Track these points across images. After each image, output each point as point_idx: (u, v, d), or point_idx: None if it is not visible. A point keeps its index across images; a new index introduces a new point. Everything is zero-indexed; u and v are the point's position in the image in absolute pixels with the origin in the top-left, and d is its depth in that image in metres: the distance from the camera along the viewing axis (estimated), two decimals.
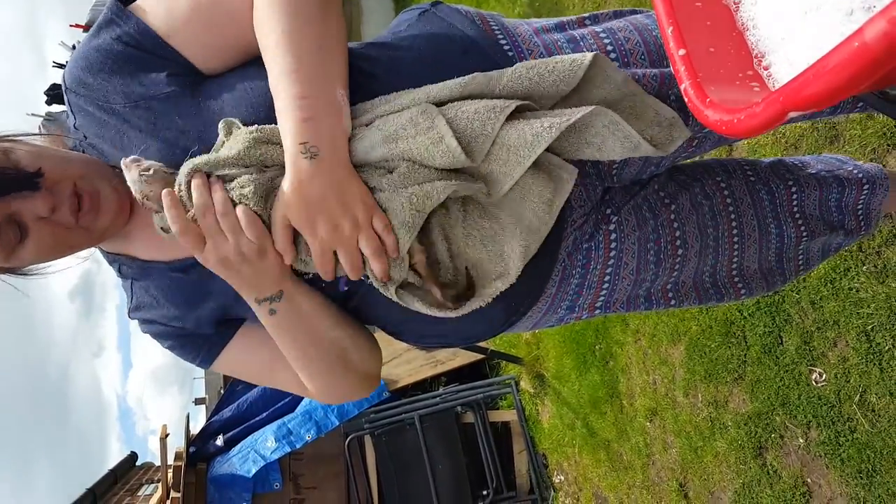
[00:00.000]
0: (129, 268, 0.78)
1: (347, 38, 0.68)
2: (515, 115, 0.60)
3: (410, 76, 0.67)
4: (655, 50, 0.71)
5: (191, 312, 0.75)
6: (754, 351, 1.82)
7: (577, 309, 0.82)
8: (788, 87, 0.36)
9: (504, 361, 3.54)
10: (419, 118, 0.59)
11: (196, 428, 3.83)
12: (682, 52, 0.48)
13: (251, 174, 0.63)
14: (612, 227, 0.77)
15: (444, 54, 0.69)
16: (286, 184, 0.61)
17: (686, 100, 0.47)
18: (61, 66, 3.77)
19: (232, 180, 0.63)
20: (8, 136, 0.70)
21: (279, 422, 3.56)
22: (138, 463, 7.68)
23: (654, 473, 2.30)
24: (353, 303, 0.75)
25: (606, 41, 0.72)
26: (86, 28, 4.04)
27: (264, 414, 3.91)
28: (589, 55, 0.60)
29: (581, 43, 0.72)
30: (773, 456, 1.76)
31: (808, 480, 1.65)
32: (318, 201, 0.61)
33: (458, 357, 3.87)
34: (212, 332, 0.77)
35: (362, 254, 0.63)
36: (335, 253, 0.64)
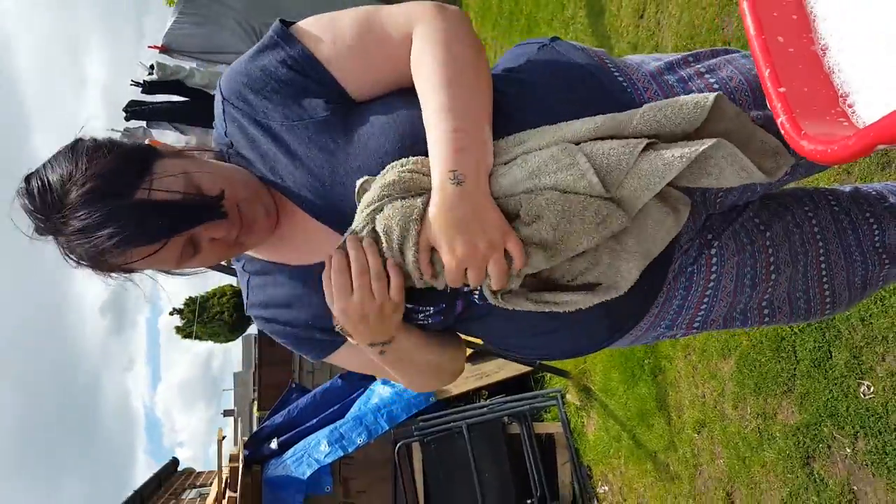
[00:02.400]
0: (254, 265, 0.85)
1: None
2: (648, 148, 0.68)
3: (535, 111, 0.74)
4: (757, 88, 0.77)
5: (309, 311, 0.81)
6: (804, 365, 1.92)
7: (674, 327, 0.86)
8: (878, 124, 0.47)
9: (549, 375, 3.65)
10: (560, 155, 0.67)
11: (227, 441, 3.98)
12: (782, 89, 0.60)
13: (397, 200, 0.68)
14: (713, 251, 0.80)
15: (566, 89, 0.76)
16: (432, 206, 0.67)
17: (783, 132, 0.57)
18: (138, 84, 4.03)
19: (381, 210, 0.69)
20: (183, 150, 0.76)
21: (331, 427, 3.72)
22: (180, 468, 7.84)
23: (701, 483, 2.39)
24: (462, 324, 0.82)
25: (712, 80, 0.79)
26: (162, 49, 4.31)
27: (314, 420, 4.08)
28: (711, 96, 0.68)
29: (690, 83, 0.79)
30: (821, 465, 1.85)
31: (855, 488, 1.74)
32: (460, 223, 0.66)
33: (502, 370, 4.00)
34: (324, 339, 0.84)
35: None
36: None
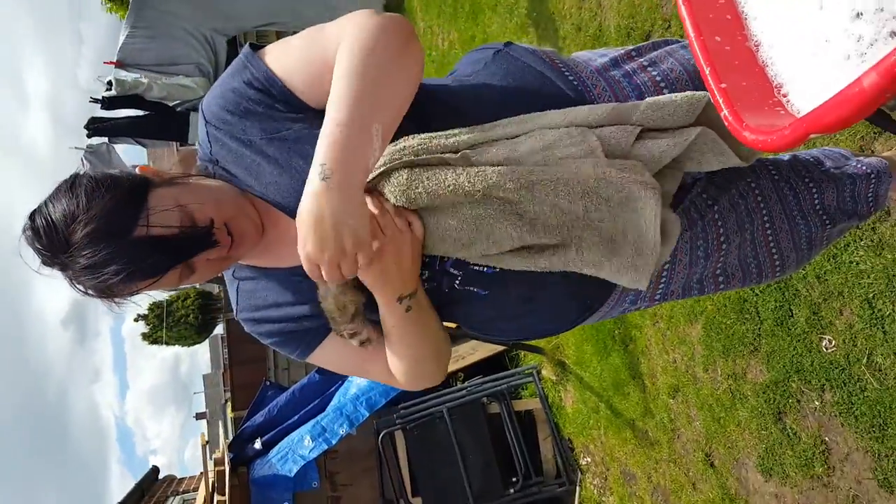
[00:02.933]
0: (243, 271, 0.89)
1: (413, 90, 0.74)
2: (640, 135, 0.75)
3: (494, 108, 0.78)
4: (697, 78, 0.83)
5: (298, 308, 0.85)
6: (767, 324, 1.97)
7: (638, 301, 0.92)
8: (810, 116, 0.51)
9: (524, 353, 3.69)
10: (574, 132, 0.73)
11: (197, 443, 3.95)
12: (723, 85, 0.63)
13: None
14: None
15: (522, 90, 0.81)
16: (303, 197, 0.69)
17: (727, 124, 0.62)
18: (97, 100, 3.94)
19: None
20: (174, 177, 0.81)
21: (313, 421, 3.71)
22: (160, 476, 7.75)
23: (680, 447, 2.46)
24: (444, 307, 0.85)
25: (654, 73, 0.85)
26: (118, 64, 4.22)
27: (296, 417, 4.06)
28: (701, 94, 0.74)
29: (634, 77, 0.84)
30: (792, 420, 1.92)
31: (826, 439, 1.80)
32: (315, 221, 0.67)
33: (477, 351, 4.03)
34: (311, 327, 0.86)
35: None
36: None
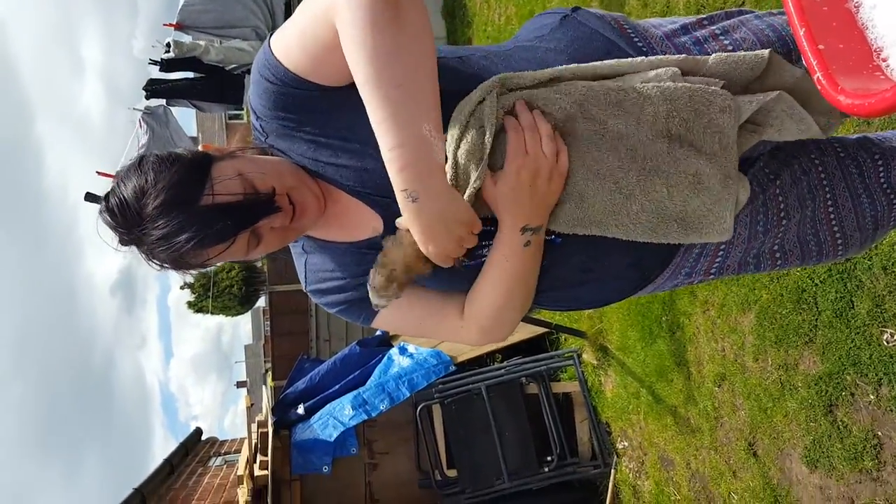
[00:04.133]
0: (311, 246, 0.92)
1: (432, 46, 0.71)
2: None
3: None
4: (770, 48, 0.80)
5: (362, 279, 0.84)
6: (826, 315, 1.94)
7: (693, 275, 0.90)
8: None
9: (565, 336, 3.70)
10: (663, 75, 0.74)
11: (237, 411, 4.06)
12: (820, 46, 0.62)
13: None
14: None
15: (589, 57, 0.79)
16: (405, 216, 0.74)
17: (820, 88, 0.59)
18: (156, 62, 4.04)
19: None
20: (233, 151, 0.84)
21: (354, 392, 3.80)
22: (203, 438, 8.01)
23: (723, 435, 2.45)
24: None
25: (726, 41, 0.82)
26: (177, 26, 4.31)
27: (336, 386, 4.18)
28: (765, 52, 0.74)
29: (705, 45, 0.82)
30: (844, 413, 1.89)
31: (880, 433, 1.78)
32: (426, 231, 0.73)
33: (517, 333, 4.05)
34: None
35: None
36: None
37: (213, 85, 3.99)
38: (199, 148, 0.86)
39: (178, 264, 0.78)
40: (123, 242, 0.78)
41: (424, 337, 1.05)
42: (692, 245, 0.85)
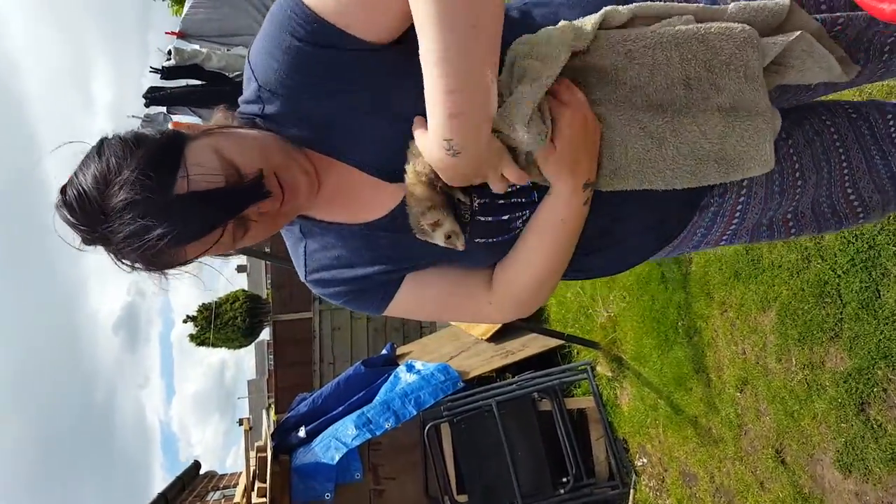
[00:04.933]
0: (311, 229, 0.82)
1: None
2: None
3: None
4: None
5: (375, 267, 0.79)
6: (851, 308, 1.84)
7: (708, 236, 0.87)
8: None
9: (577, 349, 3.59)
10: (675, 22, 0.72)
11: (238, 451, 3.92)
12: None
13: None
14: None
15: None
16: (433, 160, 0.67)
17: (862, 5, 0.56)
18: (156, 70, 4.04)
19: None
20: (210, 128, 0.73)
21: (358, 412, 3.67)
22: (201, 472, 7.86)
23: (748, 444, 2.32)
24: (509, 243, 0.80)
25: None
26: (179, 35, 4.34)
27: (340, 408, 4.05)
28: (785, 0, 0.72)
29: None
30: (877, 410, 1.77)
31: None
32: (457, 177, 0.68)
33: (527, 347, 3.93)
34: (387, 281, 0.82)
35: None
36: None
37: (215, 91, 3.98)
38: (169, 126, 0.77)
39: (152, 264, 0.68)
40: (87, 242, 0.68)
41: (444, 319, 0.96)
42: (709, 204, 0.83)
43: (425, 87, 0.62)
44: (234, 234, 0.70)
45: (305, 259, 0.85)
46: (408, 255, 0.79)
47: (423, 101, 0.65)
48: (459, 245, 0.74)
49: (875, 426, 1.78)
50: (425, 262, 0.81)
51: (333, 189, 0.77)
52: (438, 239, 0.74)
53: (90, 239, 0.67)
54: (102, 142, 0.69)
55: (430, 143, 0.65)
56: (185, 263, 0.70)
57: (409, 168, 0.71)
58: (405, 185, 0.73)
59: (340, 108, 0.71)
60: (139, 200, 0.63)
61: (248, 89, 0.74)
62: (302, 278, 0.86)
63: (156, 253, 0.65)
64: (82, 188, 0.66)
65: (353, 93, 0.70)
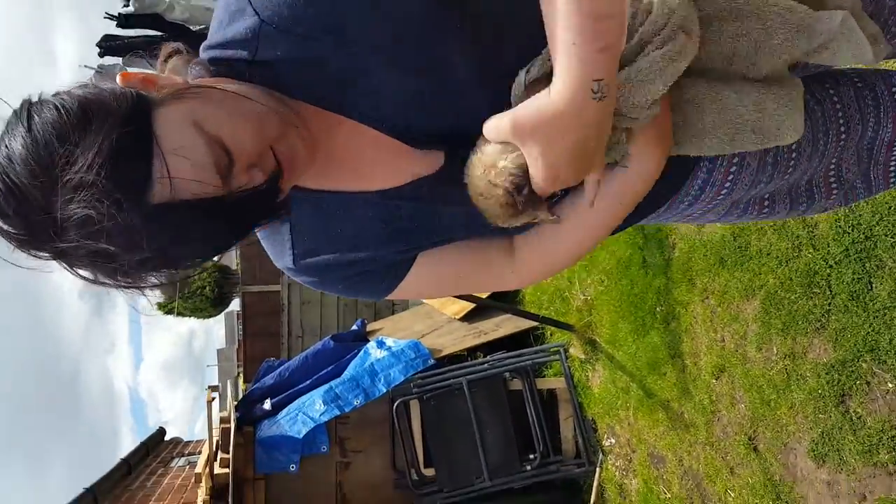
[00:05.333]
0: (301, 203, 0.68)
1: None
2: None
3: None
4: None
5: (389, 245, 0.69)
6: (840, 299, 1.83)
7: (696, 203, 0.81)
8: None
9: (551, 331, 3.56)
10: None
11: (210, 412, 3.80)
12: None
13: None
14: None
15: None
16: (557, 118, 0.53)
17: None
18: (113, 17, 3.74)
19: None
20: (181, 89, 0.57)
21: (326, 386, 3.60)
22: (166, 438, 7.76)
23: (720, 430, 2.32)
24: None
25: None
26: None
27: (307, 381, 3.96)
28: None
29: None
30: (858, 402, 1.78)
31: None
32: (578, 151, 0.55)
33: (501, 328, 3.90)
34: (400, 260, 0.72)
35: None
36: None
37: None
38: (119, 80, 0.55)
39: (123, 284, 0.55)
40: (27, 252, 0.52)
41: (457, 293, 0.85)
42: (699, 170, 0.77)
43: (552, 15, 0.50)
44: None
45: (293, 241, 0.70)
46: (432, 228, 0.69)
47: (469, 58, 0.56)
48: (551, 220, 0.65)
49: (854, 418, 1.79)
50: (449, 236, 0.71)
51: (341, 151, 0.65)
52: (543, 217, 0.65)
53: (35, 249, 0.51)
54: (29, 109, 0.51)
55: (571, 84, 0.51)
56: (163, 283, 0.57)
57: (477, 174, 0.61)
58: (466, 182, 0.61)
59: (363, 53, 0.59)
60: (102, 217, 0.47)
61: (238, 26, 0.58)
62: (284, 265, 0.71)
63: (127, 275, 0.53)
64: (15, 183, 0.49)
65: (390, 34, 0.57)
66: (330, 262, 0.70)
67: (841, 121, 0.82)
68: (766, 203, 0.85)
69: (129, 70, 0.58)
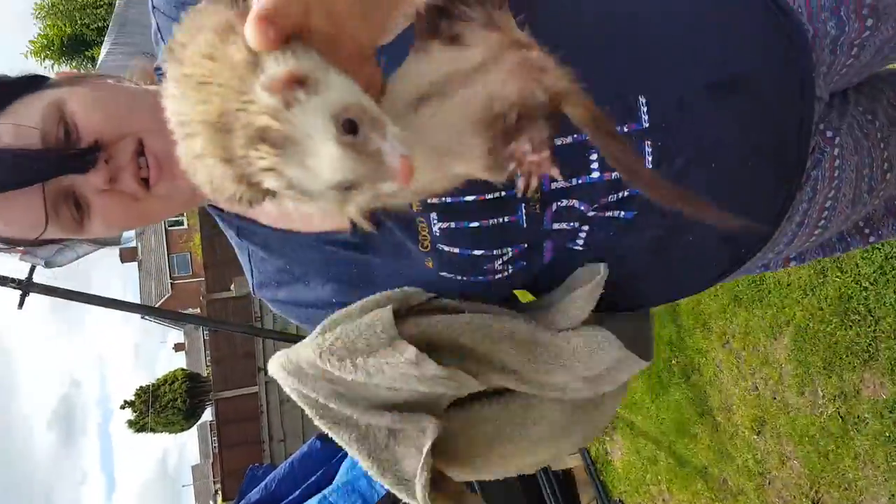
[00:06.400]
0: (255, 233, 0.68)
1: None
2: None
3: None
4: None
5: (351, 296, 0.64)
6: (886, 324, 1.60)
7: (786, 250, 0.73)
8: None
9: None
10: None
11: None
12: None
13: None
14: (835, 151, 0.66)
15: None
16: None
17: None
18: None
19: None
20: (83, 76, 0.65)
21: (319, 496, 3.19)
22: None
23: (774, 495, 2.02)
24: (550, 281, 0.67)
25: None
26: None
27: (297, 492, 3.57)
28: None
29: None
30: None
31: None
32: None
33: None
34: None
35: None
36: None
37: None
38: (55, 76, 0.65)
39: None
40: None
41: None
42: (794, 214, 0.68)
43: None
44: (68, 216, 0.60)
45: (252, 267, 0.72)
46: (369, 279, 0.65)
47: None
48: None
49: None
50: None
51: None
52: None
53: None
54: None
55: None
56: (18, 242, 0.62)
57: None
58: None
59: None
60: None
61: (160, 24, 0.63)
62: (253, 292, 0.74)
63: None
64: None
65: None
66: (286, 300, 0.71)
67: (882, 146, 0.73)
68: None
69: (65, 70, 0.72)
